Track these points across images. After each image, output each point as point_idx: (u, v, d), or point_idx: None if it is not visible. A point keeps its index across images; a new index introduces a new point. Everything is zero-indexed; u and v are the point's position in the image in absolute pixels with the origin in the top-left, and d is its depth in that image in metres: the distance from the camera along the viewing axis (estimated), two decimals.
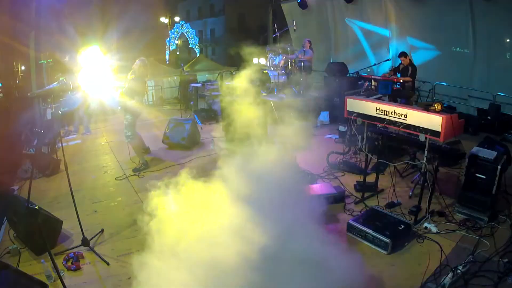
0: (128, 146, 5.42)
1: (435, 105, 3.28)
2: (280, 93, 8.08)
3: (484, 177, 3.54)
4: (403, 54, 6.86)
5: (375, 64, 8.77)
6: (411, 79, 6.71)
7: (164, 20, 23.30)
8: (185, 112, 8.80)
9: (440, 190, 3.95)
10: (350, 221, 3.44)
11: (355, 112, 3.93)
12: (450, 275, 2.66)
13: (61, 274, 2.77)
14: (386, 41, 9.33)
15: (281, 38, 9.51)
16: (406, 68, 6.79)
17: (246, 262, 2.12)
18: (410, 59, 6.88)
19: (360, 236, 3.31)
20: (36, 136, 5.69)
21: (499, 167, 3.43)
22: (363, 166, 4.44)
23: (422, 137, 3.37)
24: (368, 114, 3.82)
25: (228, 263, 2.13)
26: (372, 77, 7.56)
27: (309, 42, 8.82)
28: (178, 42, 24.22)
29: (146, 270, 2.28)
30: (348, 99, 4.05)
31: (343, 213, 3.85)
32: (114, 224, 3.78)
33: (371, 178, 4.35)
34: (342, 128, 6.07)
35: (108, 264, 3.09)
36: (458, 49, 7.92)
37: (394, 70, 7.02)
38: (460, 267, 2.73)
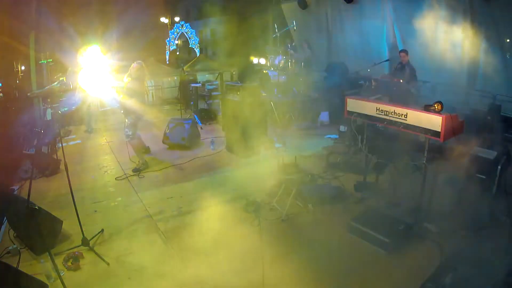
0: (128, 146, 5.41)
1: (435, 105, 3.27)
2: (280, 93, 8.08)
3: (484, 177, 3.54)
4: (404, 51, 6.84)
5: (375, 64, 8.77)
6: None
7: (164, 20, 23.24)
8: (185, 112, 8.79)
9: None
10: (351, 221, 3.44)
11: (355, 112, 3.92)
12: (450, 275, 2.66)
13: (61, 274, 2.77)
14: (385, 41, 9.31)
15: (281, 38, 9.50)
16: (403, 67, 6.76)
17: None
18: (409, 59, 6.85)
19: (360, 236, 3.31)
20: (36, 136, 5.68)
21: (499, 167, 3.43)
22: (363, 166, 4.44)
23: (422, 137, 3.36)
24: (368, 114, 3.81)
25: None
26: (372, 77, 7.55)
27: (306, 43, 8.84)
28: (178, 42, 24.12)
29: None
30: (348, 99, 4.05)
31: (342, 213, 3.85)
32: (114, 224, 3.78)
33: (371, 178, 4.34)
34: (342, 128, 6.07)
35: (108, 264, 3.09)
36: (458, 48, 7.90)
37: (394, 71, 7.01)
38: (460, 267, 2.73)
